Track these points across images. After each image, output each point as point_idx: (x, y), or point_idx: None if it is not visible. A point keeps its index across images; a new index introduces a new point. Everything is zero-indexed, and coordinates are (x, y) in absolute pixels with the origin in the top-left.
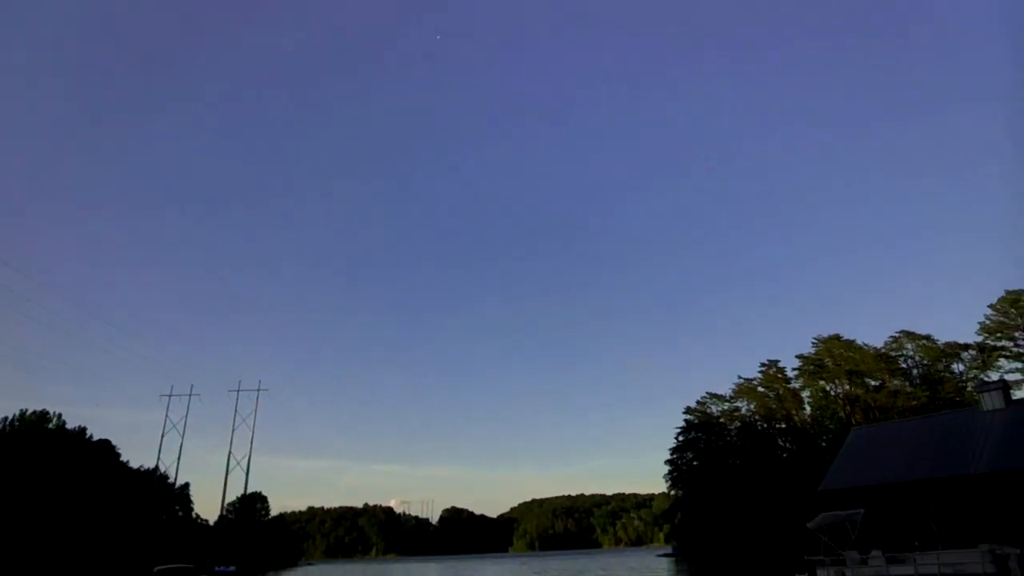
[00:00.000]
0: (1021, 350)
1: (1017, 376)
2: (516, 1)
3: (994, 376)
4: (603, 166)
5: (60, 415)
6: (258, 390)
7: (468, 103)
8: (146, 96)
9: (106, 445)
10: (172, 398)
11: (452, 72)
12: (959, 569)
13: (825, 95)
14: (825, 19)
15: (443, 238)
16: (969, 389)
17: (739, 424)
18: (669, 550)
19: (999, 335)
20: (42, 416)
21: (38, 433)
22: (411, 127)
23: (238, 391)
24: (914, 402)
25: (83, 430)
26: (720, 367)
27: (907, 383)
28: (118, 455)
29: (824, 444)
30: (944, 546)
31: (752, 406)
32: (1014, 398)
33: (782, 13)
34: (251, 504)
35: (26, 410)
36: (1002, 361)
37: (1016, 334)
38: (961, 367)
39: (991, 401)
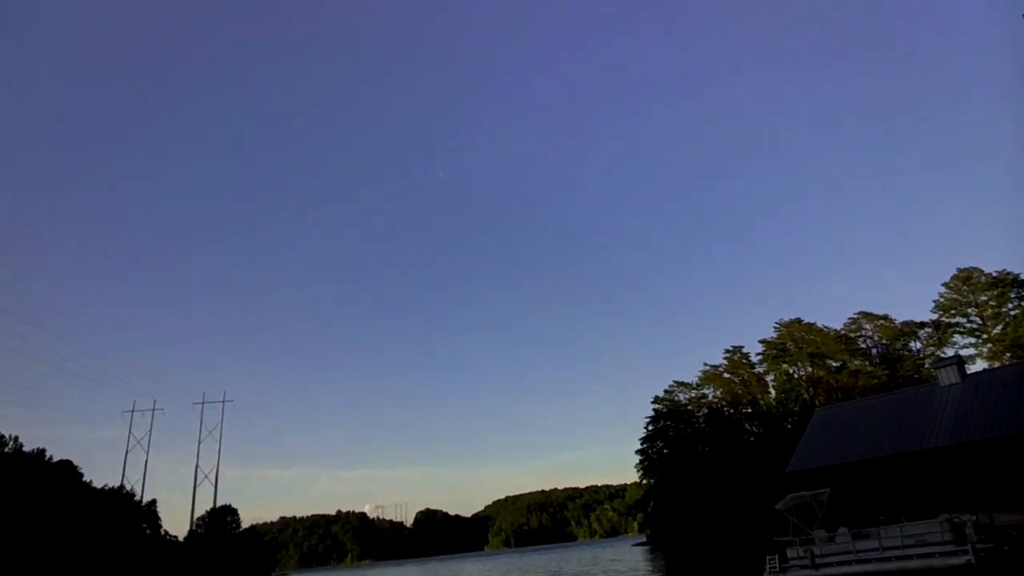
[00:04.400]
0: (974, 326)
1: (971, 351)
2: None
3: (949, 352)
4: (577, 166)
5: (16, 438)
6: (223, 401)
7: (456, 101)
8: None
9: (67, 466)
10: (135, 414)
11: (440, 71)
12: (921, 539)
13: (794, 83)
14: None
15: (403, 239)
16: (927, 366)
17: (706, 410)
18: (643, 539)
19: (953, 312)
20: None
21: None
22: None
23: (203, 403)
24: (875, 381)
25: (42, 452)
26: (686, 356)
27: (867, 363)
28: (80, 475)
29: (789, 426)
30: (908, 519)
31: (718, 392)
32: (969, 372)
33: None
34: (221, 518)
35: None
36: (956, 337)
37: (969, 310)
38: (918, 345)
39: (947, 376)
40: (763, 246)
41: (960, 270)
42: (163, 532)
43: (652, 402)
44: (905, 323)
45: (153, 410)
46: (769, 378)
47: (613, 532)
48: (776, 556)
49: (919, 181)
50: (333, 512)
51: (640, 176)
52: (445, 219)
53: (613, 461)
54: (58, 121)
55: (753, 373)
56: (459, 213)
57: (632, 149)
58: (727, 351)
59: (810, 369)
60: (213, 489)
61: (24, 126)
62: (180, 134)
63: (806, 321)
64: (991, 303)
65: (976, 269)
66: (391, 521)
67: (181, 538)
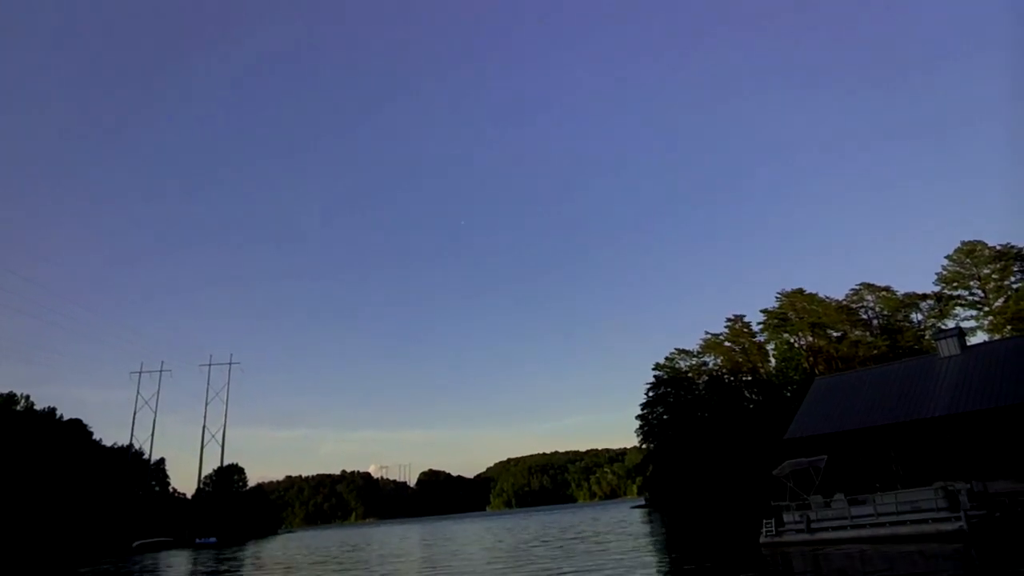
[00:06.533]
0: (976, 298)
1: (972, 323)
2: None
3: (951, 324)
4: (583, 137)
5: (28, 396)
6: (230, 363)
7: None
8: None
9: (77, 424)
10: (143, 375)
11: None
12: (915, 506)
13: (796, 49)
14: None
15: (410, 201)
16: (927, 337)
17: (707, 378)
18: (642, 502)
19: (955, 284)
20: (9, 398)
21: (5, 415)
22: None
23: (210, 365)
24: (875, 351)
25: (53, 411)
26: (687, 324)
27: (868, 333)
28: (90, 434)
29: (789, 395)
30: (903, 486)
31: (719, 360)
32: (969, 344)
33: None
34: (228, 476)
35: None
36: (958, 309)
37: (971, 283)
38: (919, 316)
39: (947, 348)
40: (767, 217)
41: (964, 243)
42: (171, 489)
43: (653, 369)
44: (907, 295)
45: (160, 371)
46: (770, 347)
47: (613, 494)
48: (773, 520)
49: (925, 154)
50: (338, 472)
51: (645, 148)
52: (448, 186)
53: (614, 426)
54: (49, 77)
55: (754, 342)
56: (460, 180)
57: (637, 123)
58: (728, 320)
59: (811, 339)
60: (220, 448)
61: (22, 78)
62: (181, 83)
63: (808, 291)
64: (994, 276)
65: (980, 242)
66: (395, 481)
67: (189, 495)
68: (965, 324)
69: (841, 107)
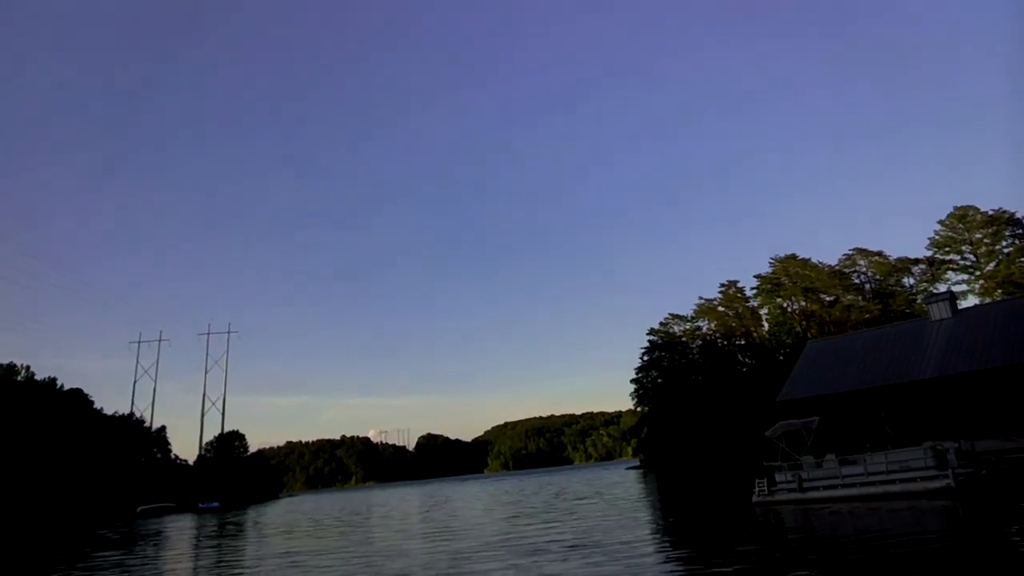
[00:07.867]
0: (968, 263)
1: (963, 288)
2: None
3: (942, 288)
4: (577, 106)
5: (28, 367)
6: (228, 332)
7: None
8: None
9: (78, 394)
10: (142, 344)
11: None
12: (904, 465)
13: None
14: None
15: (408, 169)
16: (919, 301)
17: (701, 342)
18: (636, 463)
19: (947, 249)
20: (10, 369)
21: (7, 386)
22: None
23: (208, 334)
24: (867, 315)
25: (53, 380)
26: (682, 289)
27: (860, 298)
28: (91, 403)
29: (782, 358)
30: (894, 446)
31: (713, 325)
32: (960, 308)
33: None
34: (229, 442)
35: None
36: (950, 274)
37: (963, 248)
38: (911, 281)
39: (939, 311)
40: (761, 182)
41: (957, 208)
42: (173, 456)
43: (648, 333)
44: (899, 259)
45: (159, 341)
46: (763, 312)
47: (608, 456)
48: (765, 480)
49: (919, 120)
50: (338, 437)
51: (640, 111)
52: (444, 154)
53: (609, 389)
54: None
55: (747, 307)
56: (459, 148)
57: (628, 88)
58: (722, 285)
59: (804, 303)
60: (221, 416)
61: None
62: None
63: (801, 256)
64: (985, 241)
65: (972, 207)
66: (394, 445)
67: (191, 462)
68: (956, 288)
69: (838, 74)
